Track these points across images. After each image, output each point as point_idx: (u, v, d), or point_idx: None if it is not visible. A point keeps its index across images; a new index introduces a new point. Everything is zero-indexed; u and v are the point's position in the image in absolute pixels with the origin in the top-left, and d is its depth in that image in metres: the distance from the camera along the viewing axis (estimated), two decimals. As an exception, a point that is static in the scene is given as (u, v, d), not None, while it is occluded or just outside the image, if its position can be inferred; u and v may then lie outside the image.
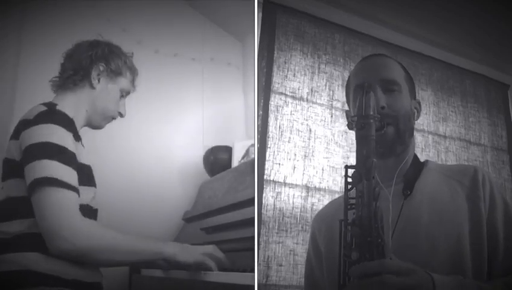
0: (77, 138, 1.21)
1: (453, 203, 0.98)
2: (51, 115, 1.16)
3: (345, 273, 0.85)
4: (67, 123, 1.16)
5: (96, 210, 1.29)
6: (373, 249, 0.82)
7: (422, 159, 1.11)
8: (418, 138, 2.14)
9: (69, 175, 1.11)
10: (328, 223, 1.11)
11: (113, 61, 1.35)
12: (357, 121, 0.89)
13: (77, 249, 1.06)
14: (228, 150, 2.10)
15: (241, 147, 2.07)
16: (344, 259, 0.85)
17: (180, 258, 1.18)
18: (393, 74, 1.07)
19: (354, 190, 0.88)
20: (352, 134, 1.92)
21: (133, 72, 1.43)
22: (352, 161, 1.91)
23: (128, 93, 1.43)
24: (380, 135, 0.95)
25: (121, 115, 1.42)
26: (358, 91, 0.92)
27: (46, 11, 1.98)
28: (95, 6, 2.07)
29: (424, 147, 2.15)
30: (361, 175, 0.86)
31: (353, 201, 0.87)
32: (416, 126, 1.12)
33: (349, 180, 0.89)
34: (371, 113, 0.88)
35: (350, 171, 0.89)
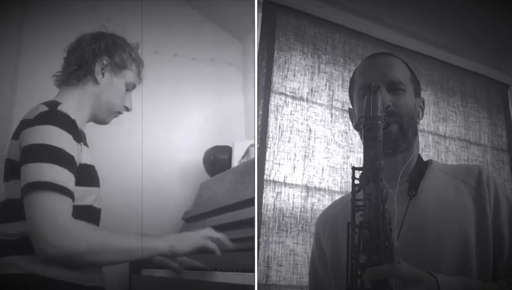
0: (79, 138, 1.17)
1: (458, 202, 0.99)
2: (51, 116, 1.13)
3: (353, 276, 0.84)
4: (67, 124, 1.13)
5: (99, 210, 1.27)
6: (381, 252, 0.82)
7: (423, 159, 1.11)
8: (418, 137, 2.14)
9: (63, 178, 1.07)
10: (332, 224, 1.11)
11: (117, 54, 1.31)
12: (365, 122, 0.88)
13: (64, 253, 1.02)
14: (228, 150, 2.10)
15: (241, 147, 2.07)
16: (352, 262, 0.84)
17: (178, 249, 1.16)
18: (399, 74, 1.07)
19: (359, 192, 0.87)
20: (352, 134, 1.92)
21: (139, 64, 1.38)
22: (352, 160, 1.93)
23: (134, 86, 1.39)
24: (385, 133, 0.94)
25: (127, 109, 1.38)
26: (364, 91, 0.92)
27: (46, 11, 1.97)
28: (95, 6, 2.07)
29: (424, 147, 2.15)
30: (369, 177, 0.85)
31: (360, 203, 0.86)
32: (416, 126, 1.12)
33: (356, 181, 0.88)
34: (379, 114, 0.88)
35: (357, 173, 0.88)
